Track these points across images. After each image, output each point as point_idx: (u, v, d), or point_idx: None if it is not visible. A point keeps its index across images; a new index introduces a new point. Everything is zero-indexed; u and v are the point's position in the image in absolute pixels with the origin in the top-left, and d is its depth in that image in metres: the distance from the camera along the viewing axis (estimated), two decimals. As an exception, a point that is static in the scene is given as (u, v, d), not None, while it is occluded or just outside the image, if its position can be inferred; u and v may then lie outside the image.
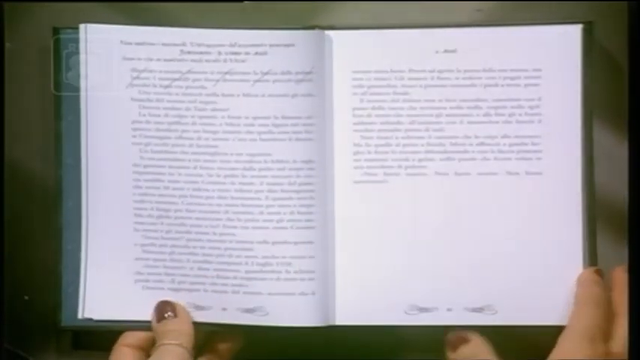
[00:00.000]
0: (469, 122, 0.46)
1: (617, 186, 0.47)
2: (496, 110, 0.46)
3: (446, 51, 0.46)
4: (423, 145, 0.46)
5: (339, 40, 0.46)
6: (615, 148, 0.48)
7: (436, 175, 0.46)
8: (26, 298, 0.50)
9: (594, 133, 0.46)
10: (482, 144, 0.46)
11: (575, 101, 0.46)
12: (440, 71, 0.46)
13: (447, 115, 0.46)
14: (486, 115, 0.46)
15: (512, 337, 0.46)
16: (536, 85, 0.46)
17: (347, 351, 0.49)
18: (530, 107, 0.46)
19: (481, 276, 0.46)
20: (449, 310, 0.46)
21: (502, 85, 0.46)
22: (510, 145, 0.46)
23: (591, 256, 0.46)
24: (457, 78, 0.46)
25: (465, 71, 0.46)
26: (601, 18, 0.47)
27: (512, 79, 0.46)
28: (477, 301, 0.46)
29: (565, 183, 0.46)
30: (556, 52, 0.45)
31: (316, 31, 0.46)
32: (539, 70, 0.45)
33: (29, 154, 0.50)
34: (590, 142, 0.46)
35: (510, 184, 0.46)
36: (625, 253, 0.46)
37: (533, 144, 0.46)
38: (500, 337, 0.45)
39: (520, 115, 0.46)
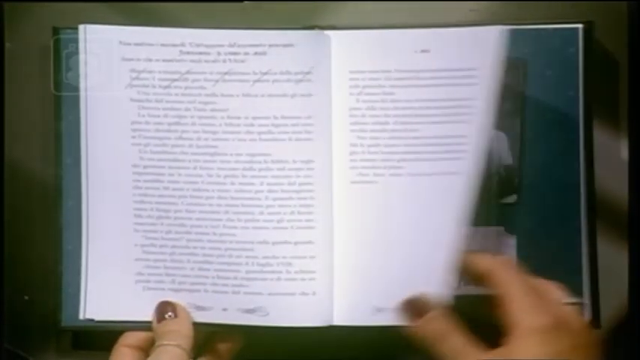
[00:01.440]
0: (440, 122, 0.45)
1: (617, 186, 0.47)
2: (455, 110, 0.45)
3: (422, 51, 0.46)
4: (400, 146, 0.46)
5: (338, 40, 0.46)
6: (615, 148, 0.48)
7: (409, 177, 0.45)
8: (26, 298, 0.50)
9: (594, 133, 0.46)
10: (448, 144, 0.45)
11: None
12: (416, 71, 0.45)
13: (420, 116, 0.45)
14: (453, 114, 0.45)
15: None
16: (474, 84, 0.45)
17: (347, 351, 0.49)
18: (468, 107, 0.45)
19: (439, 278, 0.45)
20: None
21: (460, 85, 0.45)
22: (465, 144, 0.45)
23: (591, 257, 0.46)
24: (432, 78, 0.45)
25: (437, 71, 0.45)
26: (601, 18, 0.47)
27: (469, 77, 0.45)
28: None
29: None
30: (485, 52, 0.44)
31: (315, 32, 0.46)
32: (473, 69, 0.44)
33: (29, 154, 0.50)
34: (591, 142, 0.46)
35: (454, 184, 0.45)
36: (625, 253, 0.47)
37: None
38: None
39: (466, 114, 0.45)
